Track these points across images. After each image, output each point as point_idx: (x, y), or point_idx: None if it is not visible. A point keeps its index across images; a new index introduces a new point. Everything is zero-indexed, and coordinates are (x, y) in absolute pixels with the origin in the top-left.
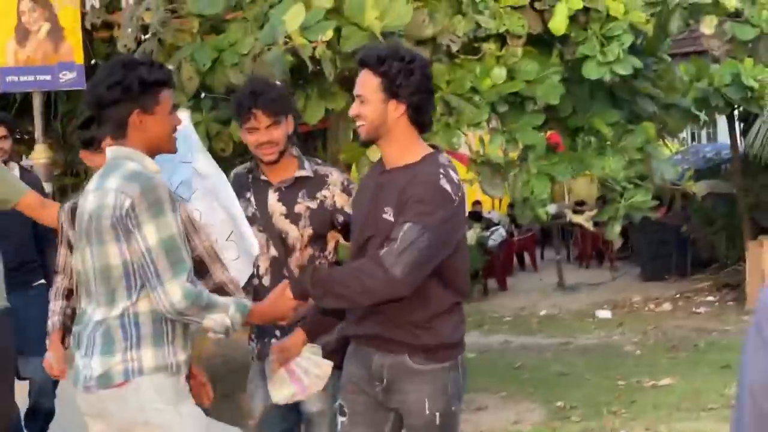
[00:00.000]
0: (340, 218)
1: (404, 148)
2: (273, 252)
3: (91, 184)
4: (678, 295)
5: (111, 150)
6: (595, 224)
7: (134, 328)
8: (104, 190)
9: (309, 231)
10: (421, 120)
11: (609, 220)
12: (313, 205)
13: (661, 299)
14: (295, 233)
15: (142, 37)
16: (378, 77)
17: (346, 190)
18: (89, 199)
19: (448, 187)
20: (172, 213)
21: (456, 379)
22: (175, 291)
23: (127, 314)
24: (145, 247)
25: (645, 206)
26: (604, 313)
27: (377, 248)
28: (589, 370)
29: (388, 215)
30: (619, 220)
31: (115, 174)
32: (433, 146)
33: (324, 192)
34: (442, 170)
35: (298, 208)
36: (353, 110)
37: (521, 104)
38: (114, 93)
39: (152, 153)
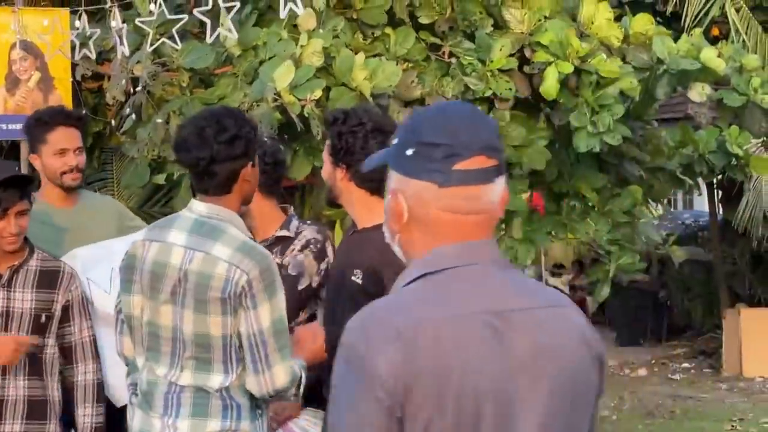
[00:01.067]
0: (303, 283)
1: (364, 208)
2: None
3: (178, 238)
4: (654, 361)
5: (206, 206)
6: (572, 287)
7: (231, 399)
8: (212, 258)
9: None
10: (368, 185)
11: (597, 281)
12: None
13: (636, 364)
14: None
15: (132, 89)
16: (329, 139)
17: (308, 247)
18: (181, 256)
19: None
20: (281, 291)
21: None
22: (280, 375)
23: (224, 387)
24: (257, 329)
25: (632, 268)
26: None
27: (347, 312)
28: None
29: (357, 278)
30: (608, 281)
31: (221, 240)
32: None
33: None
34: None
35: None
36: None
37: (507, 169)
38: (235, 148)
39: (241, 209)
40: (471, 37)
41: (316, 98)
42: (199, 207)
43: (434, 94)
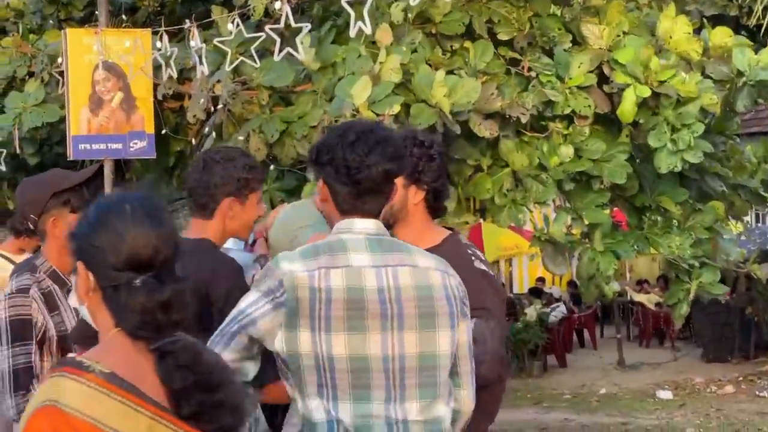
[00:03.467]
0: None
1: (420, 232)
2: None
3: (362, 260)
4: (741, 378)
5: (373, 223)
6: (657, 304)
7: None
8: (422, 269)
9: None
10: (438, 206)
11: (677, 301)
12: None
13: (723, 381)
14: None
15: (212, 108)
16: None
17: None
18: (375, 277)
19: (483, 267)
20: None
21: None
22: (471, 398)
23: (452, 412)
24: (470, 337)
25: (714, 289)
26: (665, 394)
27: None
28: None
29: None
30: (688, 301)
31: (414, 252)
32: (449, 228)
33: None
34: (469, 250)
35: None
36: None
37: (587, 182)
38: (404, 166)
39: None
40: (549, 53)
41: (394, 113)
42: (365, 225)
43: (514, 105)
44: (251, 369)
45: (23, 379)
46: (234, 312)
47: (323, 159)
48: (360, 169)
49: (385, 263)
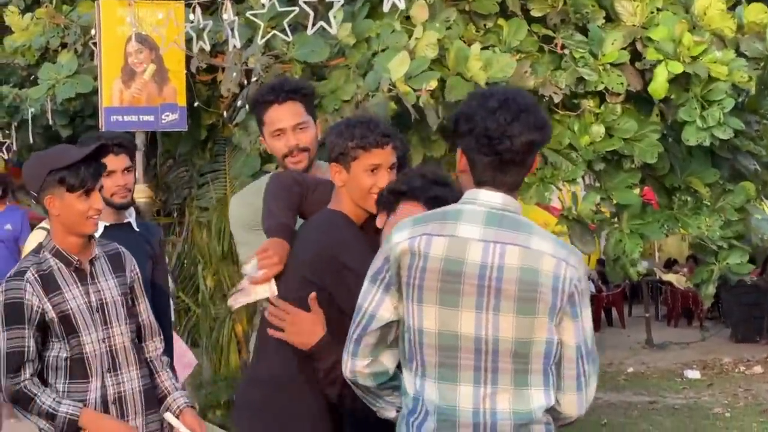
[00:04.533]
0: None
1: None
2: None
3: (472, 232)
4: None
5: (501, 197)
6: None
7: (548, 424)
8: (534, 252)
9: None
10: None
11: (702, 281)
12: None
13: (752, 361)
14: None
15: (245, 81)
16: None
17: None
18: (481, 252)
19: None
20: None
21: None
22: (592, 394)
23: (547, 407)
24: (583, 337)
25: (741, 270)
26: (693, 373)
27: None
28: (678, 431)
29: None
30: (714, 281)
31: (536, 234)
32: None
33: None
34: None
35: None
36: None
37: (618, 162)
38: (549, 135)
39: None
40: (583, 30)
41: (431, 89)
42: (490, 197)
43: (547, 84)
44: (388, 361)
45: (13, 362)
46: (355, 310)
47: (463, 128)
48: (501, 140)
49: (496, 239)
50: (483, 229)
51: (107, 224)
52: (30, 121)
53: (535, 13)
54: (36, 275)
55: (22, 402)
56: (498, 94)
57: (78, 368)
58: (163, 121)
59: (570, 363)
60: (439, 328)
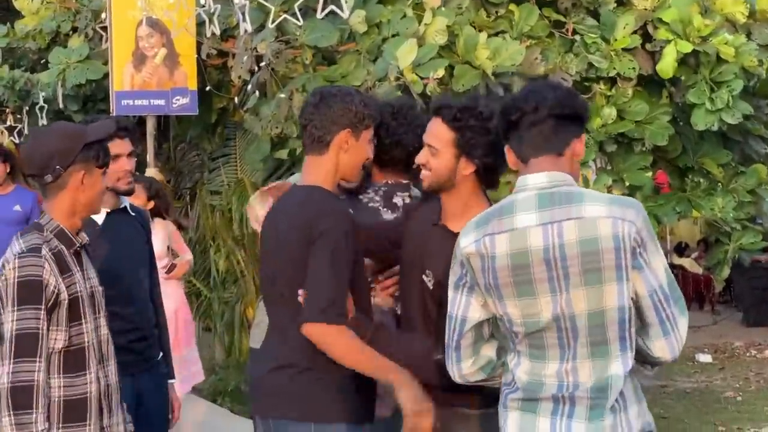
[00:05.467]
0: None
1: (466, 205)
2: None
3: (529, 220)
4: None
5: (546, 175)
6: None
7: (628, 385)
8: (588, 220)
9: None
10: (489, 179)
11: (717, 262)
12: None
13: (764, 345)
14: None
15: (256, 66)
16: (452, 131)
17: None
18: (542, 236)
19: None
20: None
21: None
22: (684, 330)
23: (625, 375)
24: (658, 283)
25: (754, 248)
26: (705, 357)
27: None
28: (689, 415)
29: (429, 279)
30: (728, 262)
31: (586, 201)
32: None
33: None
34: None
35: None
36: (421, 158)
37: (629, 144)
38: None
39: None
40: (594, 14)
41: (438, 77)
42: (536, 179)
43: (557, 70)
44: (490, 351)
45: (27, 345)
46: (447, 319)
47: (494, 125)
48: (513, 112)
49: (552, 219)
50: (538, 213)
51: (108, 210)
52: (41, 106)
53: None
54: (50, 253)
55: (22, 398)
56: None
57: (74, 360)
58: (174, 105)
59: (650, 311)
60: (523, 318)
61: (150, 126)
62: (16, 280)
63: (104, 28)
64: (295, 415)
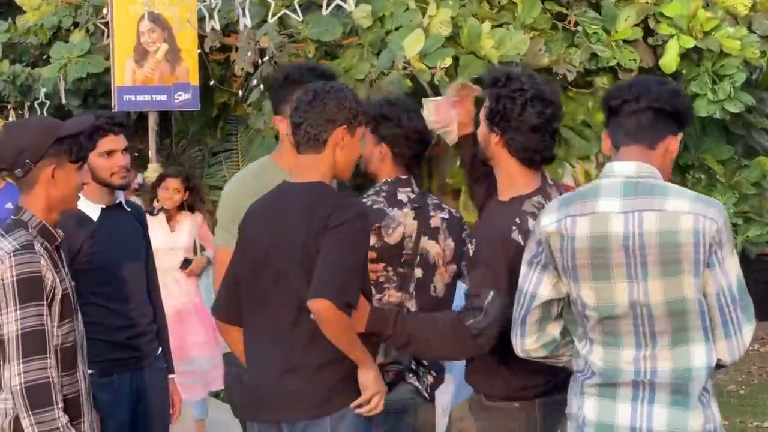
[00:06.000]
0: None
1: (508, 179)
2: (418, 273)
3: (612, 206)
4: None
5: (634, 165)
6: None
7: (706, 386)
8: (670, 214)
9: (451, 244)
10: (522, 155)
11: None
12: (446, 215)
13: (766, 339)
14: (435, 249)
15: (259, 60)
16: (487, 100)
17: None
18: (623, 223)
19: (519, 239)
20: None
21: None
22: (748, 337)
23: (709, 364)
24: (727, 284)
25: (761, 240)
26: None
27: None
28: None
29: (471, 245)
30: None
31: (671, 195)
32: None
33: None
34: (518, 219)
35: (434, 222)
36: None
37: None
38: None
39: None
40: (596, 7)
41: (445, 66)
42: (623, 168)
43: (561, 62)
44: (555, 330)
45: (34, 344)
46: (516, 294)
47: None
48: (615, 98)
49: (634, 208)
50: (622, 201)
51: (104, 206)
52: (43, 100)
53: None
54: (42, 248)
55: (39, 396)
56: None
57: (67, 358)
58: (176, 101)
59: (714, 311)
60: (598, 302)
61: (152, 121)
62: (14, 278)
63: (106, 24)
64: (311, 414)
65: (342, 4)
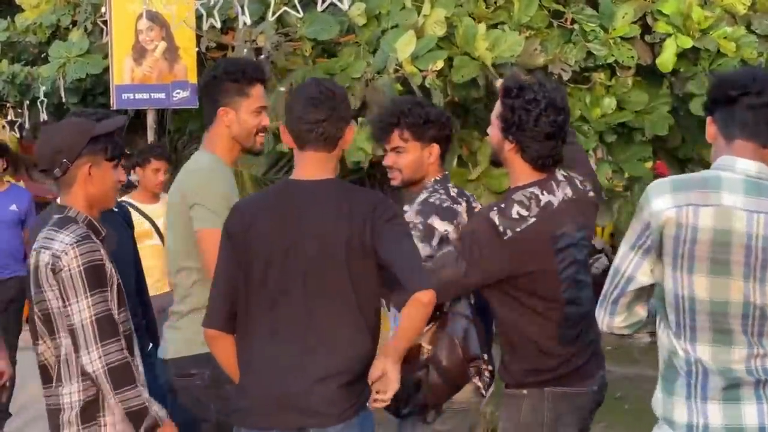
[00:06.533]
0: None
1: (514, 178)
2: None
3: (735, 201)
4: None
5: (756, 165)
6: None
7: None
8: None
9: None
10: (536, 163)
11: None
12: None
13: None
14: None
15: (255, 59)
16: (502, 109)
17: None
18: (745, 221)
19: (496, 219)
20: None
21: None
22: None
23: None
24: None
25: None
26: None
27: None
28: None
29: None
30: None
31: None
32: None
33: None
34: (503, 204)
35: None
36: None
37: (629, 134)
38: None
39: None
40: (593, 4)
41: (437, 69)
42: (746, 165)
43: (557, 61)
44: (642, 311)
45: (108, 327)
46: (612, 271)
47: (724, 95)
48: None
49: (759, 209)
50: (744, 198)
51: None
52: (42, 99)
53: None
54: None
55: (122, 376)
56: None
57: (127, 345)
58: (174, 99)
59: None
60: (711, 296)
61: (150, 119)
62: (81, 267)
63: (104, 22)
64: (342, 418)
65: (337, 2)
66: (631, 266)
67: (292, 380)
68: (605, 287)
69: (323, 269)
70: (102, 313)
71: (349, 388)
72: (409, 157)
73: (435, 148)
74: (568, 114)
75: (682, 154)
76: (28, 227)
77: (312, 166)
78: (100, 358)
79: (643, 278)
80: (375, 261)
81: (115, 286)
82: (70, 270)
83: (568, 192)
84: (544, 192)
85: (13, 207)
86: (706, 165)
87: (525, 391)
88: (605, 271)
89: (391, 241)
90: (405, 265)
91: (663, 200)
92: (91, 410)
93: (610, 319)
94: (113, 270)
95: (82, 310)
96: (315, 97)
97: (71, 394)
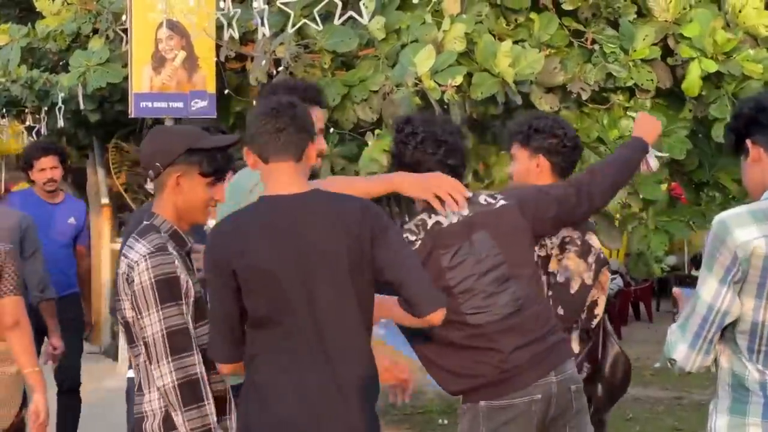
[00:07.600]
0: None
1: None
2: None
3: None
4: None
5: None
6: None
7: None
8: None
9: None
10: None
11: None
12: None
13: None
14: None
15: (274, 70)
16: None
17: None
18: None
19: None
20: None
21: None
22: None
23: None
24: None
25: None
26: None
27: None
28: (703, 427)
29: None
30: None
31: None
32: None
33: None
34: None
35: None
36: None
37: None
38: None
39: None
40: (614, 24)
41: (456, 84)
42: None
43: (576, 80)
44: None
45: (181, 341)
46: (701, 310)
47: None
48: None
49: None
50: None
51: None
52: (60, 106)
53: (567, 7)
54: (175, 252)
55: (192, 393)
56: None
57: (206, 359)
58: (193, 108)
59: None
60: None
61: None
62: (153, 279)
63: (125, 30)
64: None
65: (356, 16)
66: (726, 301)
67: (324, 401)
68: (693, 328)
69: (329, 283)
70: (175, 327)
71: (367, 408)
72: None
73: (542, 160)
74: (455, 145)
75: (698, 177)
76: (82, 243)
77: (285, 179)
78: (170, 372)
79: (736, 311)
80: (372, 268)
81: (191, 300)
82: (141, 282)
83: (465, 212)
84: (432, 215)
85: (72, 220)
86: (722, 189)
87: (465, 406)
88: (619, 292)
89: (392, 254)
90: (413, 286)
91: (749, 231)
92: (173, 419)
93: (704, 358)
94: (191, 283)
95: (154, 323)
96: (274, 107)
97: (151, 402)
